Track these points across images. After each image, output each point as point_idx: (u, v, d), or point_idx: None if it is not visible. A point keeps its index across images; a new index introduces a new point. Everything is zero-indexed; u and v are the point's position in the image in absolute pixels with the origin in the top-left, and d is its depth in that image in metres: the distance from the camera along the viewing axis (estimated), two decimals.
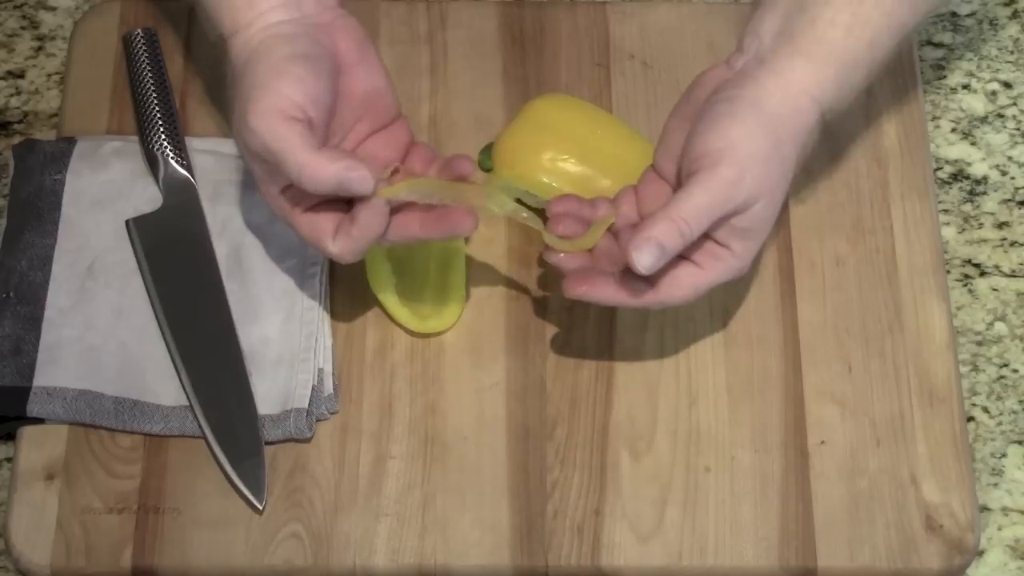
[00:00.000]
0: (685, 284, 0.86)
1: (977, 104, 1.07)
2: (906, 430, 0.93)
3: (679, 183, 0.86)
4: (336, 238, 0.85)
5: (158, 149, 0.98)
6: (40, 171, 0.99)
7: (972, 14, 1.10)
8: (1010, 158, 1.05)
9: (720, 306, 0.97)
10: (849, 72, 0.86)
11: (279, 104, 0.83)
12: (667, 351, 0.95)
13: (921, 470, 0.92)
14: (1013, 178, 1.04)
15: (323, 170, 0.82)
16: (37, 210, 0.98)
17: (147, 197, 0.98)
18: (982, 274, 1.01)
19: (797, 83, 0.85)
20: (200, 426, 0.92)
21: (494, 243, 0.99)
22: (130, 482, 0.91)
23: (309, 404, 0.92)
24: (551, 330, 0.96)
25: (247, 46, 0.86)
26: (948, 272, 1.00)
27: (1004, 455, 0.96)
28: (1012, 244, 1.02)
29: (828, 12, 0.86)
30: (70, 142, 1.00)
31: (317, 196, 0.85)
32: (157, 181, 0.99)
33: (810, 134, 0.87)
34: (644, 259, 0.82)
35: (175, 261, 0.96)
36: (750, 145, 0.84)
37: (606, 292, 0.87)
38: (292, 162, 0.82)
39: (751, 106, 0.85)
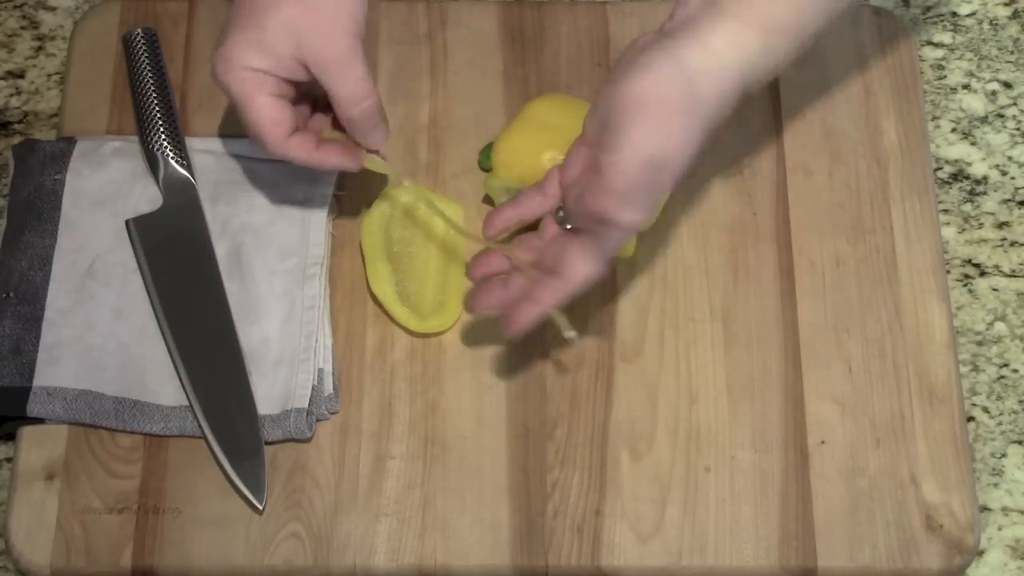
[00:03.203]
0: (586, 258, 0.85)
1: (977, 104, 1.07)
2: (906, 430, 0.93)
3: (597, 140, 0.85)
4: (290, 141, 0.90)
5: (158, 149, 0.98)
6: (40, 171, 0.99)
7: (972, 14, 1.10)
8: (1010, 158, 1.05)
9: (720, 306, 0.97)
10: (774, 38, 0.84)
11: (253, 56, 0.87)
12: (667, 351, 0.95)
13: (921, 470, 0.92)
14: (1013, 178, 1.04)
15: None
16: (37, 210, 0.98)
17: (147, 197, 0.98)
18: (982, 274, 1.01)
19: (719, 43, 0.83)
20: (200, 426, 0.92)
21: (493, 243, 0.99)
22: (130, 482, 0.91)
23: (309, 404, 0.92)
24: (551, 330, 0.96)
25: None
26: (948, 272, 1.00)
27: (1004, 455, 0.96)
28: (1012, 244, 1.02)
29: None
30: (70, 142, 1.00)
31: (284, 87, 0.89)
32: (157, 181, 0.98)
33: (728, 95, 0.84)
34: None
35: (175, 261, 0.96)
36: (661, 91, 0.82)
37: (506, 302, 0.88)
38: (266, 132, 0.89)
39: (669, 57, 0.83)
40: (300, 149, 0.90)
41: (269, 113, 0.89)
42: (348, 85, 0.89)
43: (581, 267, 0.85)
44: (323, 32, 0.88)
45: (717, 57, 0.83)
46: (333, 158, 0.92)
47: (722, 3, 0.84)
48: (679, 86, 0.82)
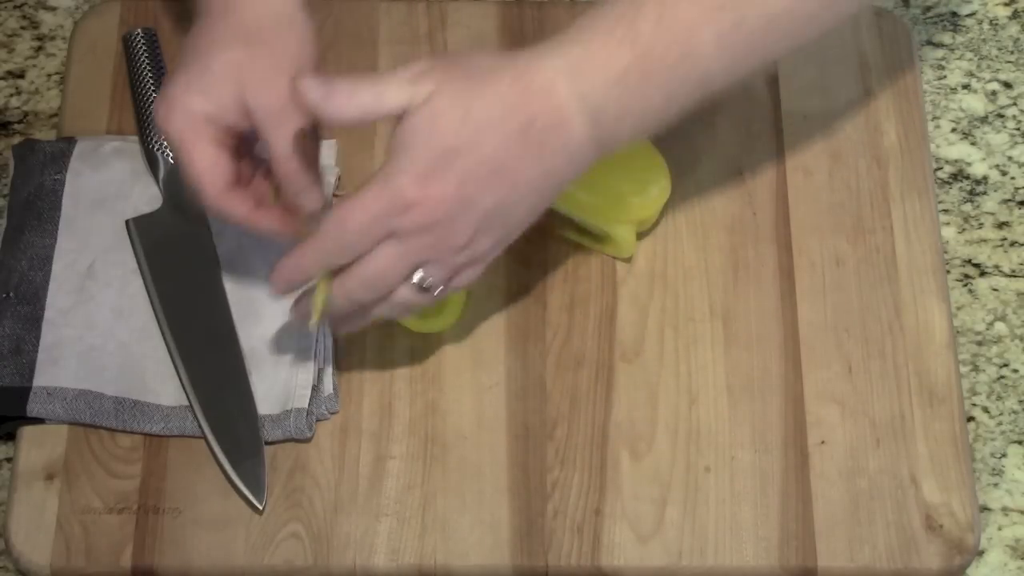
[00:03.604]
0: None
1: (977, 104, 1.07)
2: (906, 430, 0.93)
3: None
4: (228, 195, 0.84)
5: (158, 149, 0.98)
6: (40, 171, 0.99)
7: (972, 14, 1.10)
8: (1010, 158, 1.05)
9: (720, 306, 0.97)
10: (650, 66, 0.76)
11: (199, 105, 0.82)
12: (667, 351, 0.95)
13: (921, 470, 0.92)
14: (1013, 178, 1.04)
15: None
16: (37, 210, 0.98)
17: (147, 197, 0.98)
18: (982, 274, 1.01)
19: (573, 52, 0.76)
20: (200, 426, 0.92)
21: None
22: (130, 482, 0.91)
23: (309, 404, 0.92)
24: (551, 330, 0.96)
25: None
26: (948, 272, 1.00)
27: (1004, 455, 0.96)
28: (1012, 244, 1.02)
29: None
30: (70, 142, 1.00)
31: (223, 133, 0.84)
32: (157, 181, 0.99)
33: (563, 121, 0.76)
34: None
35: (175, 261, 0.96)
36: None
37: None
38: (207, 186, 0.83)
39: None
40: (237, 206, 0.84)
41: (208, 161, 0.83)
42: (281, 137, 0.82)
43: (329, 221, 0.80)
44: (267, 79, 0.82)
45: (539, 86, 0.76)
46: (271, 223, 0.85)
47: (595, 16, 0.77)
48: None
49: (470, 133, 0.76)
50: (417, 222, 0.77)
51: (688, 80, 0.78)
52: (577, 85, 0.77)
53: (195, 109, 0.82)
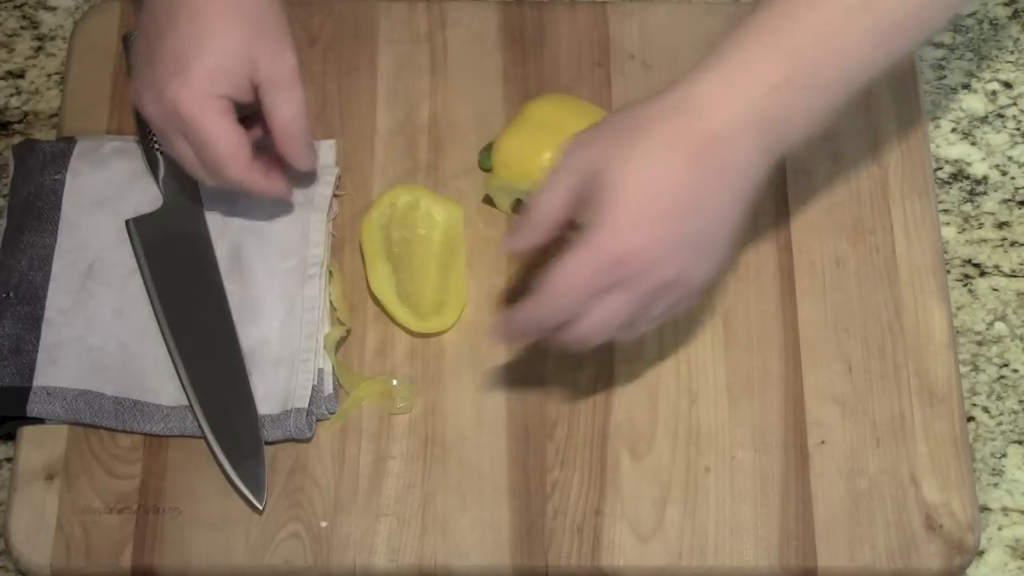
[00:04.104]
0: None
1: (977, 104, 1.07)
2: (906, 430, 0.93)
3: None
4: (251, 166, 0.90)
5: (158, 149, 0.98)
6: (40, 171, 0.99)
7: (972, 14, 1.10)
8: (1010, 158, 1.05)
9: (720, 306, 0.97)
10: (806, 71, 0.80)
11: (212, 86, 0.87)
12: (667, 351, 0.95)
13: (921, 470, 0.92)
14: (1013, 178, 1.04)
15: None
16: (37, 210, 0.98)
17: (147, 197, 0.98)
18: (982, 274, 1.01)
19: (735, 65, 0.79)
20: (200, 426, 0.91)
21: (494, 243, 0.99)
22: (130, 482, 0.91)
23: (309, 404, 0.92)
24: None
25: None
26: (948, 272, 1.00)
27: (1004, 455, 0.96)
28: (1012, 244, 1.02)
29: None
30: (70, 142, 1.00)
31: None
32: (157, 181, 0.98)
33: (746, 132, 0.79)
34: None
35: (175, 261, 0.96)
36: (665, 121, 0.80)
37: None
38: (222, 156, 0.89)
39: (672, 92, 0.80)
40: (258, 175, 0.91)
41: (236, 139, 0.89)
42: (293, 102, 0.90)
43: (547, 286, 0.82)
44: (275, 52, 0.88)
45: (728, 83, 0.79)
46: (279, 186, 0.93)
47: (738, 32, 0.80)
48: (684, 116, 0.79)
49: (654, 179, 0.79)
50: (629, 272, 0.80)
51: (840, 79, 0.81)
52: (734, 101, 0.79)
53: (219, 92, 0.87)
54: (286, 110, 0.90)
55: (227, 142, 0.88)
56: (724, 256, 0.83)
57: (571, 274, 0.81)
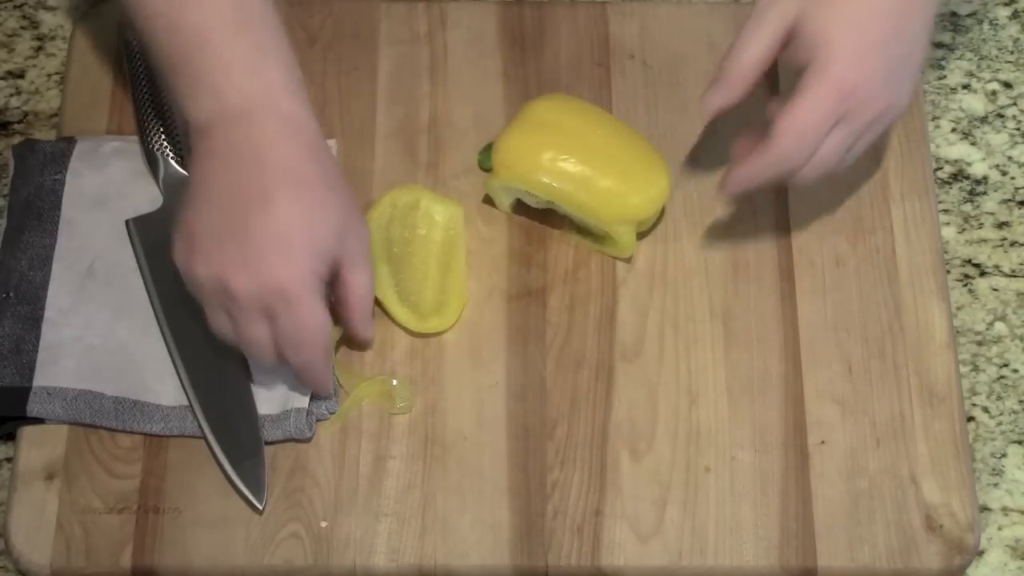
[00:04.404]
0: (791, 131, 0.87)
1: (977, 104, 1.07)
2: (906, 430, 0.93)
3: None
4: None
5: (158, 149, 0.98)
6: (40, 171, 0.99)
7: (972, 14, 1.10)
8: (1010, 158, 1.05)
9: (720, 306, 0.97)
10: None
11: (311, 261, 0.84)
12: (667, 351, 0.95)
13: (921, 470, 0.92)
14: (1013, 178, 1.04)
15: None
16: (37, 210, 0.98)
17: (147, 197, 0.98)
18: (982, 274, 1.01)
19: None
20: (200, 426, 0.92)
21: (494, 243, 0.99)
22: (130, 482, 0.91)
23: (309, 404, 0.92)
24: (551, 330, 0.96)
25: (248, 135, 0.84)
26: (948, 272, 1.00)
27: (1004, 455, 0.96)
28: (1012, 244, 1.02)
29: None
30: (70, 142, 1.00)
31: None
32: (157, 181, 0.98)
33: None
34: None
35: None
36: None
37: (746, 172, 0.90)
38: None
39: None
40: (329, 363, 0.89)
41: (328, 322, 0.86)
42: (369, 277, 0.88)
43: (786, 132, 0.86)
44: (360, 228, 0.87)
45: None
46: (331, 381, 0.91)
47: None
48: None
49: (863, 12, 0.85)
50: (861, 99, 0.86)
51: None
52: None
53: (318, 268, 0.84)
54: (365, 285, 0.88)
55: (323, 324, 0.85)
56: (919, 80, 0.89)
57: (810, 111, 0.85)
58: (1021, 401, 0.97)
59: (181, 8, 0.83)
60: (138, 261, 0.96)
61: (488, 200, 1.00)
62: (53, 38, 1.08)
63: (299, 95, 0.85)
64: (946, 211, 1.03)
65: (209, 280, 0.84)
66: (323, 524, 0.90)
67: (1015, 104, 1.06)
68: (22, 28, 1.09)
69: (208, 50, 0.83)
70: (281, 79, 0.85)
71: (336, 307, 0.89)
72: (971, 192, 1.04)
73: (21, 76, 1.07)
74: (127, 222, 0.97)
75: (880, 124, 0.89)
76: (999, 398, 0.97)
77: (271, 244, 0.83)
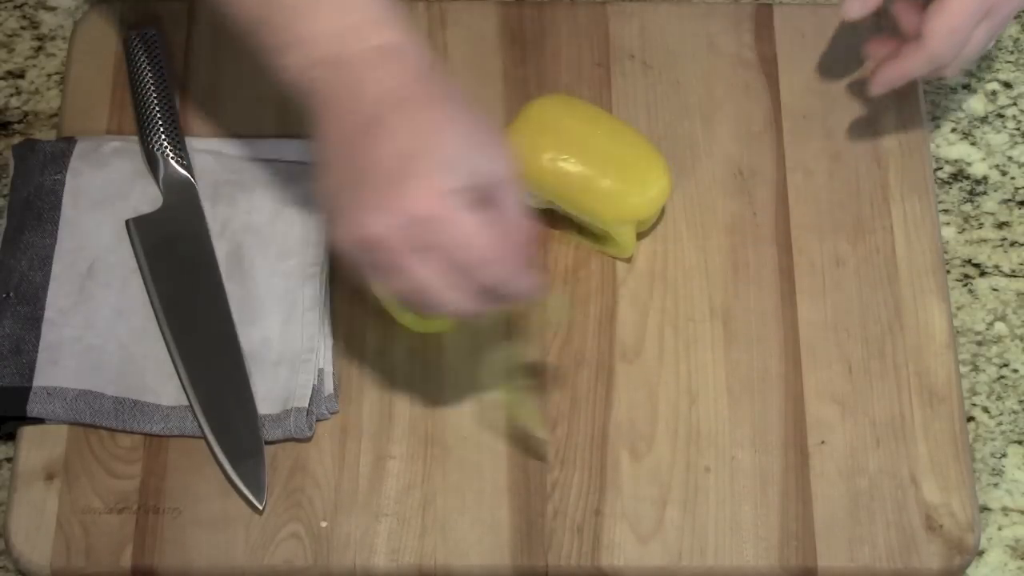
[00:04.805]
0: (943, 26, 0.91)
1: (977, 104, 1.06)
2: (906, 430, 0.93)
3: None
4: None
5: (158, 149, 0.98)
6: (40, 171, 0.99)
7: None
8: (1010, 158, 1.05)
9: (720, 306, 0.97)
10: None
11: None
12: (667, 351, 0.95)
13: (921, 470, 0.92)
14: (1013, 178, 1.04)
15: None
16: (37, 210, 0.98)
17: (147, 197, 0.98)
18: (982, 274, 1.01)
19: None
20: (200, 426, 0.92)
21: None
22: (130, 482, 0.91)
23: (309, 404, 0.92)
24: (551, 330, 0.96)
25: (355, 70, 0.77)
26: (948, 272, 1.00)
27: (1004, 455, 0.96)
28: (1012, 244, 1.02)
29: None
30: (70, 142, 1.00)
31: None
32: (157, 181, 0.99)
33: None
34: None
35: (175, 261, 0.96)
36: None
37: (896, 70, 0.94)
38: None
39: None
40: (522, 268, 0.80)
41: (492, 231, 0.78)
42: (519, 197, 0.80)
43: (939, 32, 0.90)
44: (494, 141, 0.80)
45: None
46: (533, 279, 0.82)
47: None
48: None
49: None
50: None
51: None
52: None
53: (459, 182, 0.76)
54: (515, 204, 0.79)
55: (488, 235, 0.77)
56: None
57: (961, 10, 0.89)
58: (1021, 401, 0.97)
59: None
60: (138, 261, 0.96)
61: None
62: (53, 38, 1.08)
63: (390, 24, 0.79)
64: (946, 211, 1.03)
65: (355, 243, 0.77)
66: (323, 524, 0.90)
67: (1015, 104, 1.06)
68: (22, 28, 1.09)
69: (286, 3, 0.79)
70: (367, 14, 0.79)
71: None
72: (971, 192, 1.04)
73: (21, 76, 1.07)
74: (127, 222, 0.97)
75: (1016, 11, 0.93)
76: (999, 398, 0.97)
77: (391, 174, 0.76)
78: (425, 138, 0.76)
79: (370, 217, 0.76)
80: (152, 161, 0.99)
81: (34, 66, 1.07)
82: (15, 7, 1.09)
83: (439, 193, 0.75)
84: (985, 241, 1.02)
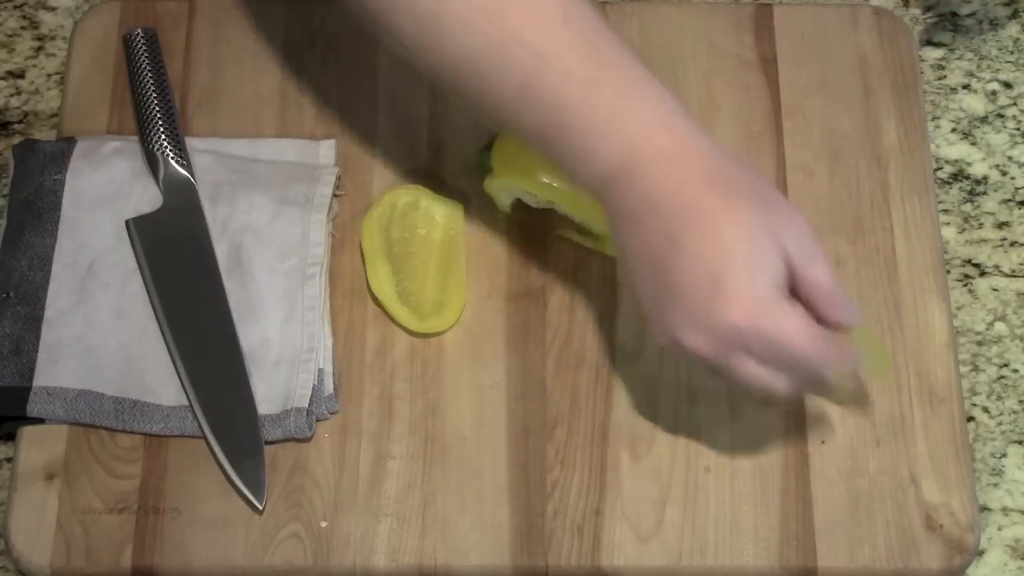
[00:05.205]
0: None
1: (977, 104, 1.06)
2: (906, 430, 0.93)
3: None
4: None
5: (158, 149, 0.98)
6: (40, 171, 0.99)
7: (972, 14, 1.10)
8: (1010, 158, 1.05)
9: None
10: None
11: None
12: (667, 351, 0.95)
13: (921, 470, 0.92)
14: (1013, 178, 1.04)
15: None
16: (37, 210, 0.98)
17: (147, 197, 0.98)
18: (982, 274, 1.01)
19: None
20: (200, 426, 0.92)
21: (494, 243, 0.99)
22: (130, 482, 0.91)
23: (309, 404, 0.92)
24: (551, 330, 0.96)
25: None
26: (948, 272, 1.00)
27: (1004, 455, 0.96)
28: (1012, 244, 1.02)
29: None
30: (70, 142, 1.00)
31: None
32: (157, 181, 0.98)
33: None
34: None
35: (175, 261, 0.96)
36: None
37: None
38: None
39: None
40: (841, 356, 0.80)
41: (815, 328, 0.79)
42: (827, 263, 0.80)
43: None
44: (789, 217, 0.79)
45: None
46: (849, 359, 0.82)
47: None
48: None
49: None
50: None
51: None
52: None
53: (770, 282, 0.78)
54: (827, 274, 0.79)
55: (810, 334, 0.78)
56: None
57: None
58: (1021, 401, 0.97)
59: (534, 83, 0.79)
60: (138, 261, 0.96)
61: (488, 200, 1.00)
62: (53, 38, 1.08)
63: (676, 121, 0.79)
64: (946, 211, 1.03)
65: (684, 351, 0.80)
66: (323, 524, 0.90)
67: (1015, 104, 1.06)
68: (22, 28, 1.09)
69: (570, 118, 0.79)
70: (653, 116, 0.79)
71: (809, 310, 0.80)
72: (971, 192, 1.04)
73: (21, 76, 1.07)
74: (127, 222, 0.97)
75: None
76: (999, 398, 0.97)
77: (702, 294, 0.77)
78: (726, 249, 0.77)
79: (689, 336, 0.78)
80: (152, 161, 0.99)
81: (34, 66, 1.07)
82: (15, 7, 1.09)
83: (753, 300, 0.77)
84: (985, 241, 1.02)
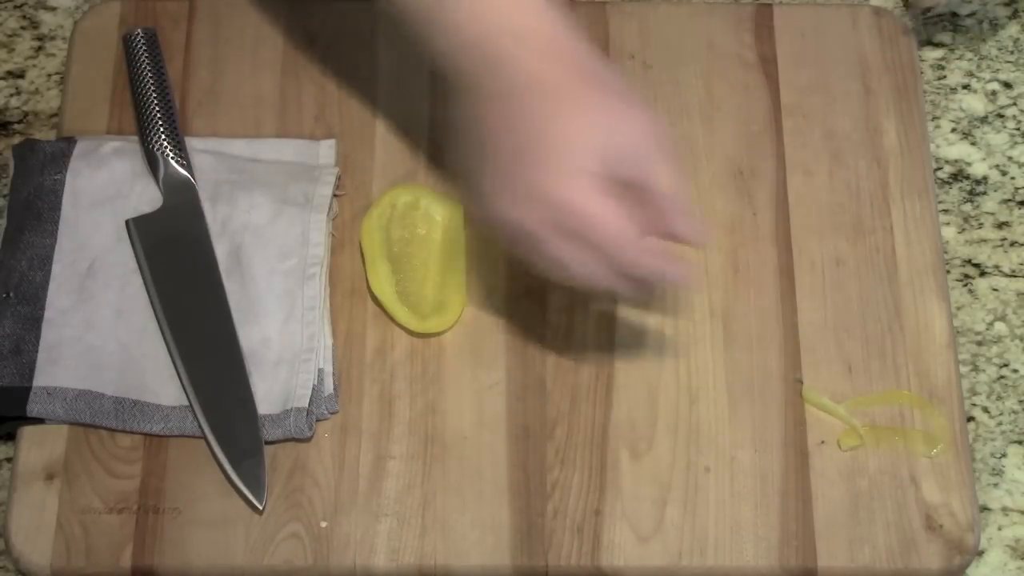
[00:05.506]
0: None
1: (977, 104, 1.06)
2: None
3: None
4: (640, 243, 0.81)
5: (158, 149, 0.98)
6: (40, 171, 0.99)
7: (972, 14, 1.10)
8: (1010, 158, 1.05)
9: (720, 306, 0.97)
10: None
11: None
12: (667, 351, 0.95)
13: (921, 470, 0.92)
14: (1013, 178, 1.04)
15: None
16: (37, 210, 0.98)
17: (147, 197, 0.98)
18: (982, 274, 1.01)
19: None
20: (200, 426, 0.92)
21: (494, 243, 0.99)
22: (130, 482, 0.91)
23: (309, 404, 0.92)
24: (551, 330, 0.96)
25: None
26: (948, 272, 1.00)
27: (1004, 455, 0.96)
28: (1012, 244, 1.02)
29: None
30: (70, 142, 1.00)
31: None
32: (157, 181, 0.98)
33: None
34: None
35: (175, 261, 0.96)
36: None
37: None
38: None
39: None
40: (653, 255, 0.82)
41: (621, 217, 0.80)
42: (671, 169, 0.82)
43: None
44: (631, 115, 0.81)
45: None
46: (675, 267, 0.83)
47: None
48: None
49: None
50: None
51: None
52: None
53: (588, 167, 0.79)
54: (666, 183, 0.81)
55: (618, 226, 0.80)
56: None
57: None
58: (1021, 401, 0.97)
59: None
60: (138, 261, 0.96)
61: None
62: (53, 38, 1.08)
63: (533, 6, 0.81)
64: (946, 211, 1.03)
65: (493, 223, 0.82)
66: (323, 524, 0.90)
67: (1015, 104, 1.06)
68: (22, 28, 1.09)
69: None
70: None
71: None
72: (971, 192, 1.04)
73: (21, 76, 1.07)
74: (127, 222, 0.97)
75: None
76: (999, 398, 0.97)
77: (526, 159, 0.79)
78: (559, 129, 0.79)
79: (506, 200, 0.81)
80: (152, 161, 0.99)
81: (34, 66, 1.07)
82: (15, 7, 1.09)
83: (568, 175, 0.79)
84: (985, 241, 1.02)
